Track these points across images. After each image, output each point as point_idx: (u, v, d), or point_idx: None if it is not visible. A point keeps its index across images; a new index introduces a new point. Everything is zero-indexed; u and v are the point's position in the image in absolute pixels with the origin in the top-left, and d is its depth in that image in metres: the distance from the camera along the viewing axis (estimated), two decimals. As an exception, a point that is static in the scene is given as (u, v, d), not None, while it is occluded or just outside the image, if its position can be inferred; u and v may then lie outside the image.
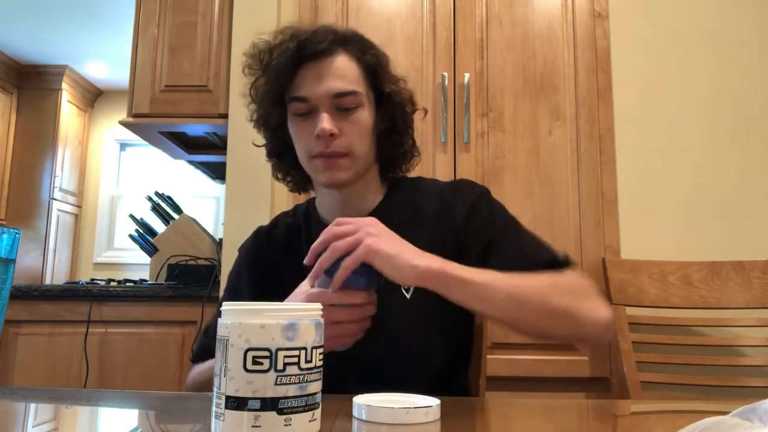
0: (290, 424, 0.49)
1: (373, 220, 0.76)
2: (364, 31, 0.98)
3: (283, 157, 1.00)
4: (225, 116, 1.93)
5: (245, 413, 0.49)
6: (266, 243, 1.02)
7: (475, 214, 0.93)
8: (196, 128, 2.08)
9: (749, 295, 1.68)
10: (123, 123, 2.03)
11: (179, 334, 1.86)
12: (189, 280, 1.96)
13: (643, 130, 1.88)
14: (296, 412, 0.50)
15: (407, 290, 0.89)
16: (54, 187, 4.32)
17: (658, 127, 1.89)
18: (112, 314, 1.88)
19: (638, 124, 1.88)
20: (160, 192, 2.46)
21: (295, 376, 0.50)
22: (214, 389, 0.51)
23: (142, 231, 2.34)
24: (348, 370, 0.78)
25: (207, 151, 2.37)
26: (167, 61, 2.00)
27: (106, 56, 4.26)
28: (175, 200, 2.45)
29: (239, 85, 0.98)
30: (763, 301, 1.67)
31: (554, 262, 0.87)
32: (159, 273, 2.13)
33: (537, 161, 1.83)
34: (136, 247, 2.37)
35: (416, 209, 0.96)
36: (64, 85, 4.43)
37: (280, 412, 0.49)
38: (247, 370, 0.49)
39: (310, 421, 0.51)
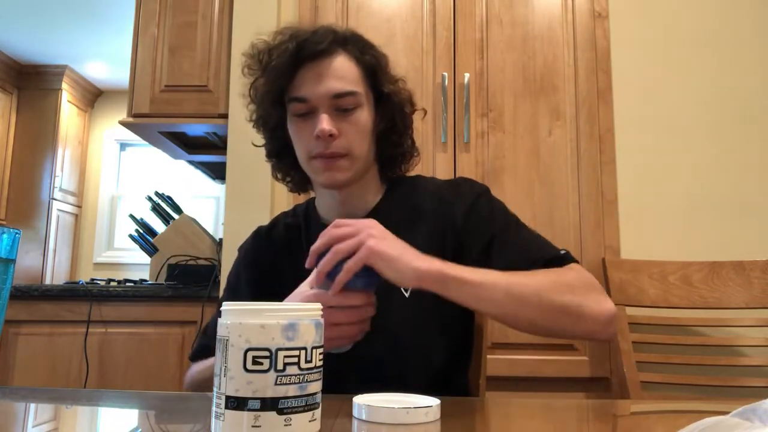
0: (290, 424, 0.49)
1: (372, 222, 0.76)
2: (364, 31, 0.98)
3: (282, 158, 1.00)
4: (225, 116, 1.93)
5: (245, 413, 0.49)
6: (266, 243, 1.02)
7: (475, 213, 0.93)
8: (196, 128, 2.08)
9: (749, 295, 1.68)
10: (123, 123, 2.03)
11: (179, 334, 1.86)
12: (189, 280, 1.96)
13: (643, 130, 1.88)
14: (296, 412, 0.50)
15: (406, 290, 0.89)
16: (54, 187, 4.32)
17: (658, 127, 1.89)
18: (112, 314, 1.88)
19: (638, 124, 1.88)
20: (160, 192, 2.46)
21: (295, 376, 0.50)
22: (214, 389, 0.51)
23: (142, 231, 2.34)
24: (348, 370, 0.78)
25: (207, 151, 2.37)
26: (167, 61, 2.01)
27: (106, 56, 4.26)
28: (175, 200, 2.45)
29: (239, 85, 0.98)
30: (763, 301, 1.67)
31: (555, 258, 0.87)
32: (159, 273, 2.13)
33: (537, 161, 1.83)
34: (136, 247, 2.37)
35: (415, 208, 0.96)
36: (64, 85, 4.43)
37: (280, 412, 0.49)
38: (247, 370, 0.49)
39: (310, 421, 0.51)
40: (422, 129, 1.83)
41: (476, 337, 1.04)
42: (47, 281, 4.20)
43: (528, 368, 1.72)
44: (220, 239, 1.99)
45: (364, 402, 0.60)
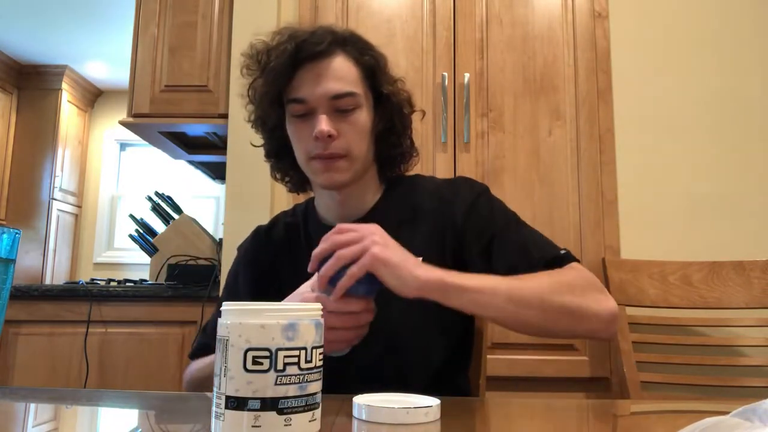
0: (290, 424, 0.49)
1: (376, 228, 0.76)
2: (364, 31, 0.98)
3: (281, 158, 1.00)
4: (225, 116, 1.93)
5: (245, 413, 0.49)
6: (265, 242, 1.02)
7: (475, 213, 0.93)
8: (196, 128, 2.08)
9: (749, 295, 1.68)
10: (123, 123, 2.03)
11: (179, 334, 1.86)
12: (189, 280, 1.96)
13: (643, 130, 1.88)
14: (296, 412, 0.50)
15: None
16: (54, 187, 4.32)
17: (658, 127, 1.89)
18: (112, 314, 1.88)
19: (638, 124, 1.88)
20: (160, 192, 2.46)
21: (295, 376, 0.50)
22: (214, 389, 0.51)
23: (142, 231, 2.34)
24: (348, 370, 0.78)
25: (207, 151, 2.37)
26: (167, 61, 2.00)
27: (106, 56, 4.26)
28: (175, 200, 2.45)
29: (239, 85, 0.98)
30: (763, 301, 1.67)
31: (556, 258, 0.87)
32: (159, 273, 2.13)
33: (537, 161, 1.83)
34: (136, 247, 2.37)
35: (415, 208, 0.96)
36: (64, 85, 4.43)
37: (280, 412, 0.49)
38: (247, 370, 0.49)
39: (310, 421, 0.51)
40: (422, 129, 1.83)
41: (476, 337, 1.04)
42: (47, 281, 4.20)
43: (528, 368, 1.72)
44: (220, 239, 1.99)
45: (364, 402, 0.60)
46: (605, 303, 0.82)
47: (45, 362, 1.86)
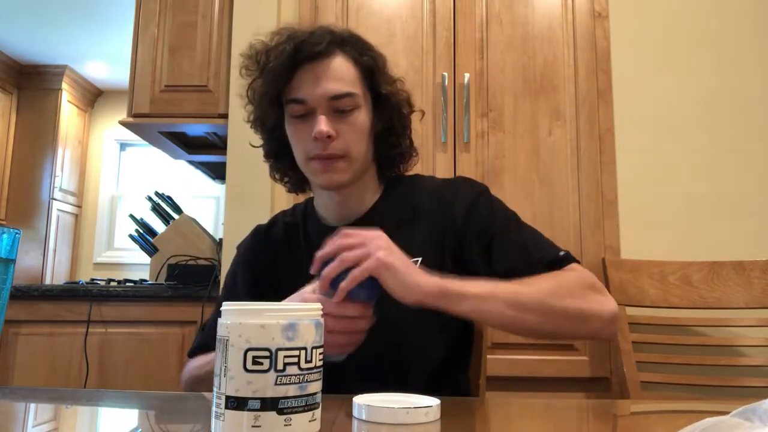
0: (290, 424, 0.49)
1: (380, 234, 0.76)
2: (363, 31, 0.98)
3: (280, 158, 1.00)
4: (225, 116, 1.93)
5: (245, 413, 0.49)
6: (264, 242, 1.03)
7: (475, 213, 0.92)
8: (196, 128, 2.08)
9: (749, 295, 1.68)
10: (123, 123, 2.03)
11: (179, 334, 1.86)
12: (189, 280, 1.96)
13: (643, 130, 1.88)
14: (296, 412, 0.50)
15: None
16: (54, 187, 4.32)
17: (658, 127, 1.89)
18: (112, 314, 1.87)
19: (638, 124, 1.88)
20: (160, 192, 2.46)
21: (295, 376, 0.50)
22: (214, 389, 0.51)
23: (142, 231, 2.34)
24: (347, 368, 0.78)
25: (207, 151, 2.37)
26: (167, 61, 2.00)
27: (106, 56, 4.26)
28: (175, 200, 2.45)
29: (239, 85, 0.98)
30: (763, 301, 1.67)
31: (556, 260, 0.87)
32: (159, 273, 2.13)
33: (537, 161, 1.83)
34: (136, 247, 2.37)
35: (414, 207, 0.96)
36: (64, 85, 4.43)
37: (280, 412, 0.49)
38: (247, 370, 0.49)
39: (310, 421, 0.51)
40: (422, 129, 1.83)
41: (476, 337, 1.04)
42: (47, 281, 4.20)
43: (528, 368, 1.72)
44: (220, 239, 1.99)
45: (364, 402, 0.60)
46: (605, 304, 0.82)
47: (45, 362, 1.86)
